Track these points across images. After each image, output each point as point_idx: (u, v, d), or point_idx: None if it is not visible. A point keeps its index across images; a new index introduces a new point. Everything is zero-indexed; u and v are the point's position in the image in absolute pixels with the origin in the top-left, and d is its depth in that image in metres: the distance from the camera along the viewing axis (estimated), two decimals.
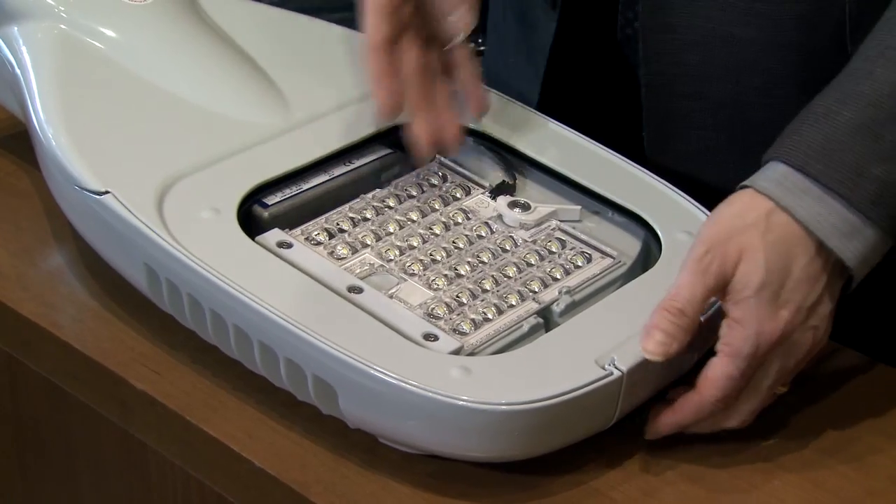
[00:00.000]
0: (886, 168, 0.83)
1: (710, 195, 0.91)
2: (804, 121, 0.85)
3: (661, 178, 0.95)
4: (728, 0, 0.97)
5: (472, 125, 0.99)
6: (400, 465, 0.84)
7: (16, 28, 1.00)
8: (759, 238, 0.82)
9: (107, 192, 0.89)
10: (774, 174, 0.84)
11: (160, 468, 0.93)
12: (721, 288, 0.83)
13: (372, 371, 0.79)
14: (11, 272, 0.99)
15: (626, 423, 0.85)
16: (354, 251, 0.89)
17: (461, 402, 0.79)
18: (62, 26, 1.00)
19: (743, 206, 0.84)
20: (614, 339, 0.83)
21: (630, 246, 0.92)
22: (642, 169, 0.96)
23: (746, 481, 0.85)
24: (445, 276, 0.88)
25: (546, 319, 0.86)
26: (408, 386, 0.79)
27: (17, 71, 0.98)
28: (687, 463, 0.85)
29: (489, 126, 0.99)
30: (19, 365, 0.99)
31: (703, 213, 0.92)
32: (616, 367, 0.81)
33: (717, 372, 0.83)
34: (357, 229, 0.91)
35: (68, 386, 0.96)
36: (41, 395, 0.99)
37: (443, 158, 0.98)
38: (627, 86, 1.05)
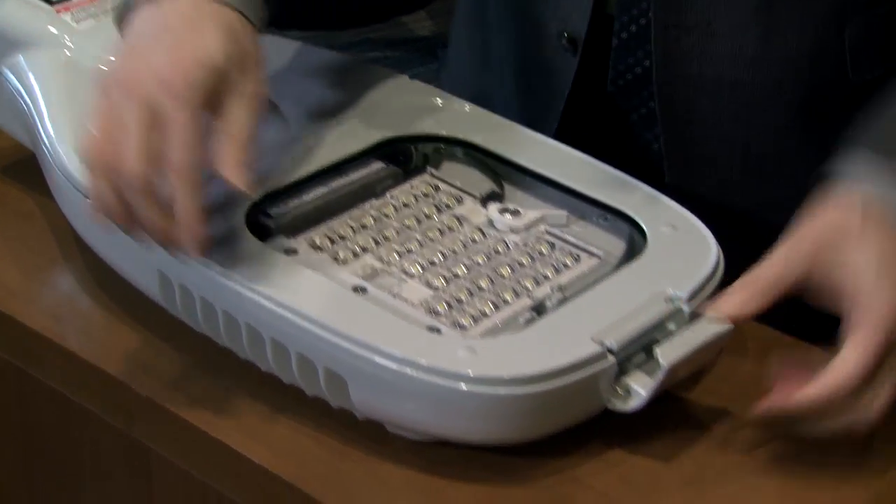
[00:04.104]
0: None
1: (731, 221, 0.93)
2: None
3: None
4: (737, 50, 1.02)
5: (460, 136, 1.04)
6: (401, 458, 0.87)
7: (21, 57, 1.05)
8: (861, 231, 0.83)
9: None
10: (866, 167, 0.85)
11: (163, 472, 0.96)
12: (805, 277, 0.84)
13: (382, 360, 0.83)
14: (20, 288, 1.02)
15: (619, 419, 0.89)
16: (356, 255, 0.94)
17: (470, 381, 0.83)
18: (67, 53, 1.04)
19: (840, 203, 0.85)
20: (607, 320, 0.86)
21: (615, 246, 0.96)
22: (621, 173, 1.00)
23: (737, 481, 0.87)
24: (443, 276, 0.92)
25: (540, 314, 0.90)
26: (417, 370, 0.83)
27: (26, 96, 1.02)
28: (679, 459, 0.88)
29: (474, 136, 1.03)
30: (27, 377, 1.02)
31: (685, 212, 0.96)
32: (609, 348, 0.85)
33: (850, 357, 0.81)
34: (357, 236, 0.96)
35: (75, 395, 0.99)
36: (48, 405, 1.02)
37: (433, 171, 1.03)
38: (638, 125, 1.10)
